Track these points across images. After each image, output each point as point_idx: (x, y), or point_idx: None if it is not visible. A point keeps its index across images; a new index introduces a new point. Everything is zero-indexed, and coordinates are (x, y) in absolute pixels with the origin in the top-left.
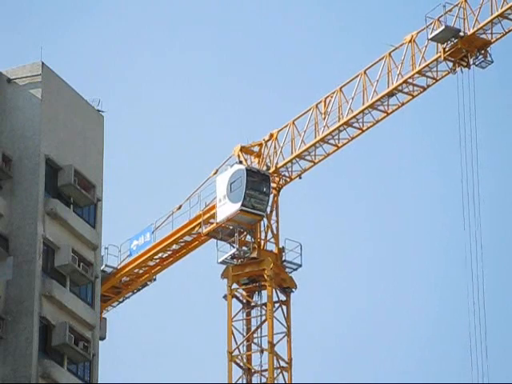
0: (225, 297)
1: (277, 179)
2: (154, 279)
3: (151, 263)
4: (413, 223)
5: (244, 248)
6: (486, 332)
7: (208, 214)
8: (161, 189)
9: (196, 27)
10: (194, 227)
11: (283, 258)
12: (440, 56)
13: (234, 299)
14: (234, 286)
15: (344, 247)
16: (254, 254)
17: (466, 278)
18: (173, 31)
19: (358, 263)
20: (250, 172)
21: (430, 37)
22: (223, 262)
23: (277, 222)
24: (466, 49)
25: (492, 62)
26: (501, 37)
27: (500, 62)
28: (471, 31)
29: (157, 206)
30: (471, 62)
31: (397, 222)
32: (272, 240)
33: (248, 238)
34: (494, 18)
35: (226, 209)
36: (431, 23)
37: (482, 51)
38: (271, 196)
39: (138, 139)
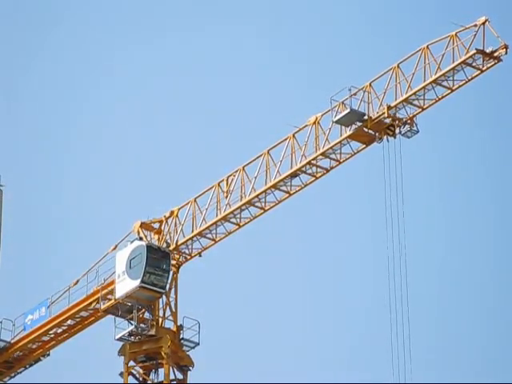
0: (121, 374)
1: (177, 256)
2: (48, 354)
3: (45, 338)
4: (312, 304)
5: (142, 325)
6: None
7: (106, 290)
8: (58, 263)
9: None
10: (90, 303)
11: (181, 336)
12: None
13: (131, 377)
14: (131, 363)
15: (242, 326)
16: (152, 332)
17: None
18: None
19: (257, 342)
20: (150, 249)
21: (334, 119)
22: (121, 339)
23: (175, 299)
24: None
25: (418, 131)
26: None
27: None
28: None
29: (54, 281)
30: (397, 132)
31: (291, 303)
32: (170, 317)
33: (146, 315)
34: (400, 103)
35: (125, 285)
36: (336, 106)
37: (409, 121)
38: (171, 273)
39: (34, 213)
